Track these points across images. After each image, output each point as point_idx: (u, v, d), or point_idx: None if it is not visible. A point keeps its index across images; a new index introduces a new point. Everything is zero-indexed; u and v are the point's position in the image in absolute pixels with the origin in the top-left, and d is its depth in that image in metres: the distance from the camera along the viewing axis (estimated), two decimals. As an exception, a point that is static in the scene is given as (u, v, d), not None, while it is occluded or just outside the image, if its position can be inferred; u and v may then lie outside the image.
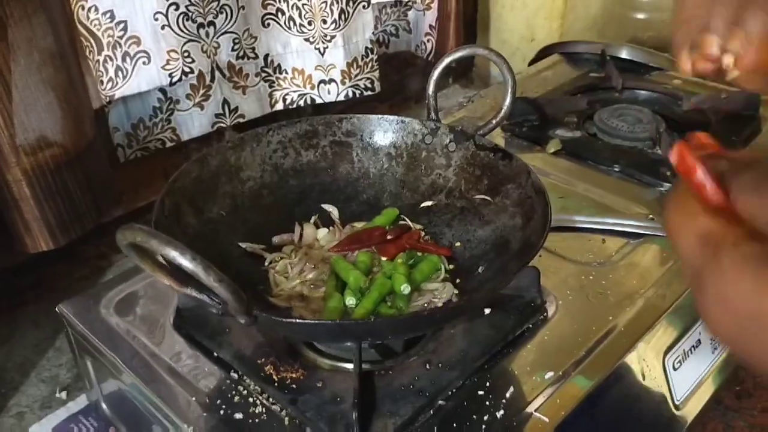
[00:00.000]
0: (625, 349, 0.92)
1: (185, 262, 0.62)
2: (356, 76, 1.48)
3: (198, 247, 0.89)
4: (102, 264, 1.47)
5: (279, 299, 0.91)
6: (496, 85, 1.70)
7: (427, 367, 0.85)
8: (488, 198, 0.95)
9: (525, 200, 0.89)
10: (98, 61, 1.20)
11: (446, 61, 1.06)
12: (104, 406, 1.05)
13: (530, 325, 0.95)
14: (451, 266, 0.93)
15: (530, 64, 1.81)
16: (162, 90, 1.31)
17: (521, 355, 0.91)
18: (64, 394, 1.15)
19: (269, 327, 0.81)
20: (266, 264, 0.93)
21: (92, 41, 1.18)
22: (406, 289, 0.88)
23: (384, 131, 1.04)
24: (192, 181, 0.95)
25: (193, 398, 0.85)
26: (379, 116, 1.03)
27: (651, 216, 1.15)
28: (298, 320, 0.69)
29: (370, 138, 1.04)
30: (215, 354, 0.91)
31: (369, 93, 1.55)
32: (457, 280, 0.91)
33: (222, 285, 0.63)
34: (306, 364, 0.87)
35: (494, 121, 1.03)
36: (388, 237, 0.98)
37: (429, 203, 1.02)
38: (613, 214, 1.17)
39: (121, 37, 1.19)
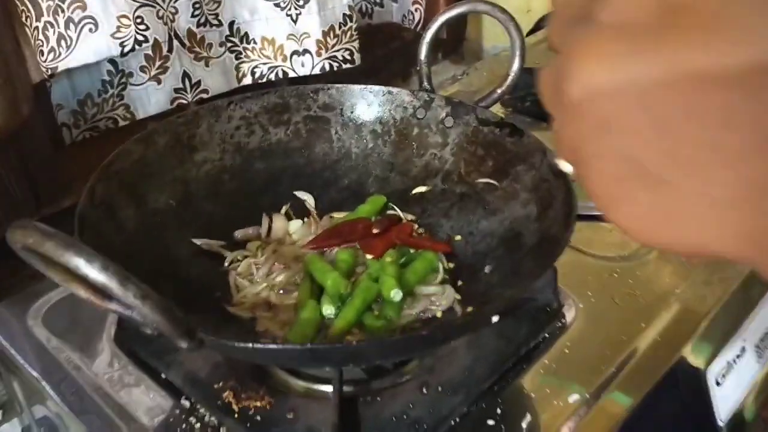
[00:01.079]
0: (662, 364, 0.78)
1: (93, 273, 0.45)
2: (333, 46, 1.30)
3: (138, 245, 0.72)
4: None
5: (241, 308, 0.75)
6: (492, 56, 1.52)
7: (424, 390, 0.70)
8: (494, 182, 0.81)
9: (540, 184, 0.77)
10: (37, 28, 1.02)
11: (440, 20, 0.90)
12: (36, 432, 0.88)
13: (546, 335, 0.80)
14: (451, 265, 0.80)
15: (528, 35, 1.65)
16: (112, 61, 1.15)
17: (537, 372, 0.76)
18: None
19: (221, 352, 0.63)
20: (226, 264, 0.80)
21: (29, 5, 1.01)
22: (396, 295, 0.71)
23: (368, 104, 0.90)
24: (133, 164, 0.78)
25: (133, 435, 0.68)
26: (362, 86, 0.91)
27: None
28: (256, 346, 0.52)
29: (352, 112, 0.91)
30: (163, 376, 0.74)
31: (348, 66, 1.37)
32: (459, 282, 0.77)
33: (147, 303, 0.46)
34: (274, 388, 0.71)
35: (499, 91, 0.86)
36: (374, 230, 0.81)
37: (422, 189, 0.88)
38: None
39: (63, 1, 1.01)
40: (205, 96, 1.28)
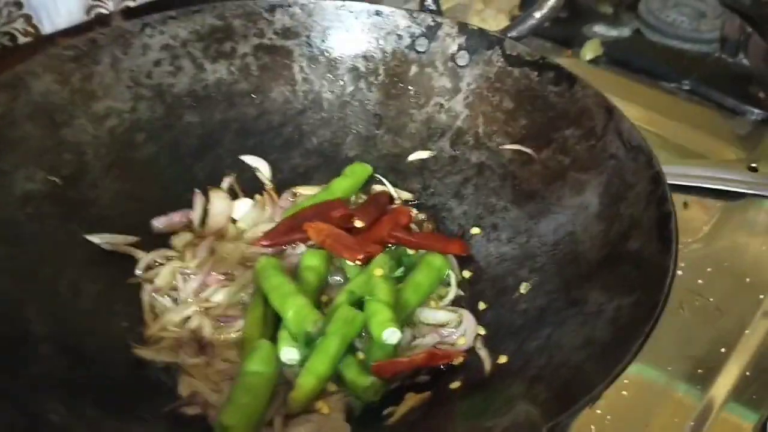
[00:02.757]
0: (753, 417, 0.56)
1: None
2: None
3: None
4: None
5: (156, 350, 0.52)
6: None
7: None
8: (528, 150, 0.62)
9: (604, 162, 0.55)
10: None
11: None
12: None
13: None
14: (467, 274, 0.60)
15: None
16: None
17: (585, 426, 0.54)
18: None
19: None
20: (138, 272, 0.59)
21: None
22: (392, 336, 0.49)
23: (346, 30, 0.70)
24: None
25: None
26: (338, 4, 0.70)
27: (753, 164, 0.77)
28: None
29: (323, 41, 0.70)
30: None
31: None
32: (480, 305, 0.54)
33: None
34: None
35: (538, 14, 0.61)
36: (356, 222, 0.57)
37: (423, 155, 0.69)
38: (691, 160, 0.82)
39: None
40: (131, 4, 1.06)
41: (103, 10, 1.08)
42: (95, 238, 0.57)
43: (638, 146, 0.51)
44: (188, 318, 0.54)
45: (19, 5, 1.01)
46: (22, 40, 1.03)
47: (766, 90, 0.91)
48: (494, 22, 1.04)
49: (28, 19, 1.02)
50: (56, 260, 0.53)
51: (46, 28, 1.02)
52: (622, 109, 0.63)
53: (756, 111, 0.90)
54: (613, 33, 1.02)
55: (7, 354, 0.44)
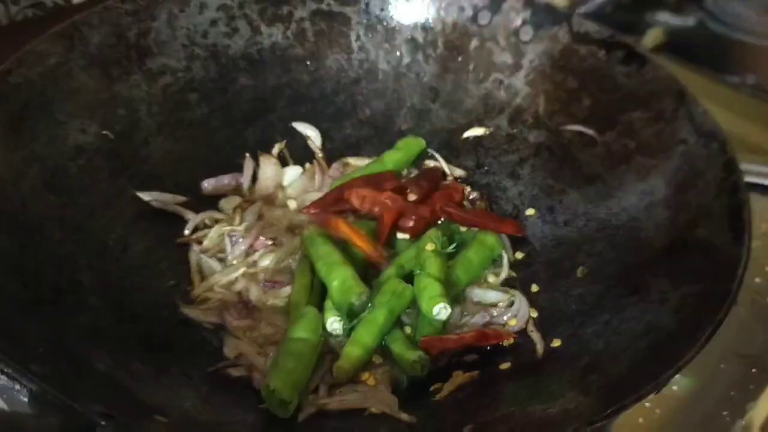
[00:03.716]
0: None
1: None
2: None
3: (44, 204, 0.48)
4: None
5: (203, 310, 0.51)
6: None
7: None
8: (591, 132, 0.59)
9: (673, 148, 0.53)
10: None
11: None
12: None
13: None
14: (520, 255, 0.58)
15: None
16: None
17: (629, 423, 0.51)
18: None
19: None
20: (186, 233, 0.58)
21: None
22: (443, 311, 0.48)
23: None
24: (47, 75, 0.55)
25: None
26: None
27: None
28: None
29: (382, 9, 0.68)
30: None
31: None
32: (533, 287, 0.54)
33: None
34: None
35: None
36: (409, 196, 0.55)
37: (479, 132, 0.66)
38: (755, 156, 0.77)
39: None
40: None
41: None
42: (145, 195, 0.56)
43: (711, 132, 0.49)
44: (235, 280, 0.53)
45: None
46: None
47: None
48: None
49: None
50: (106, 214, 0.53)
51: None
52: None
53: (823, 109, 0.86)
54: (677, 22, 0.98)
55: (56, 302, 0.44)
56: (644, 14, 0.99)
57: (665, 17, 1.00)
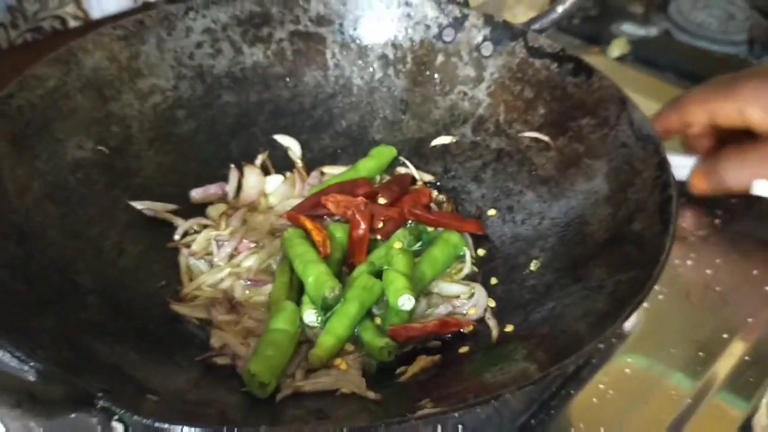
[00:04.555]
0: (749, 394, 0.59)
1: None
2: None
3: (46, 215, 0.52)
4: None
5: (191, 306, 0.55)
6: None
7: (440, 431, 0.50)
8: (545, 138, 0.64)
9: (615, 151, 0.58)
10: None
11: None
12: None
13: (600, 346, 0.61)
14: (482, 251, 0.63)
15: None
16: None
17: (589, 401, 0.57)
18: None
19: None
20: (176, 238, 0.62)
21: None
22: (407, 302, 0.52)
23: (377, 19, 0.72)
24: (47, 96, 0.59)
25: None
26: None
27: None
28: (185, 426, 0.32)
29: (355, 29, 0.73)
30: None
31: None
32: (493, 280, 0.59)
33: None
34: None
35: (560, 8, 0.63)
36: (379, 198, 0.60)
37: (445, 140, 0.71)
38: None
39: None
40: None
41: None
42: (138, 205, 0.61)
43: (647, 135, 0.54)
44: (221, 280, 0.57)
45: None
46: (72, 24, 1.08)
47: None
48: (524, 17, 1.06)
49: (78, 3, 1.07)
50: (102, 222, 0.57)
51: (95, 13, 1.03)
52: (646, 106, 0.65)
53: (777, 111, 0.91)
54: (641, 32, 1.03)
55: (59, 301, 0.48)
56: (610, 25, 1.04)
57: (630, 28, 1.04)
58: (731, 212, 0.75)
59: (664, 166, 0.51)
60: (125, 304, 0.52)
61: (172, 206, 0.63)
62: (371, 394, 0.47)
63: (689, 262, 0.69)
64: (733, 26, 1.03)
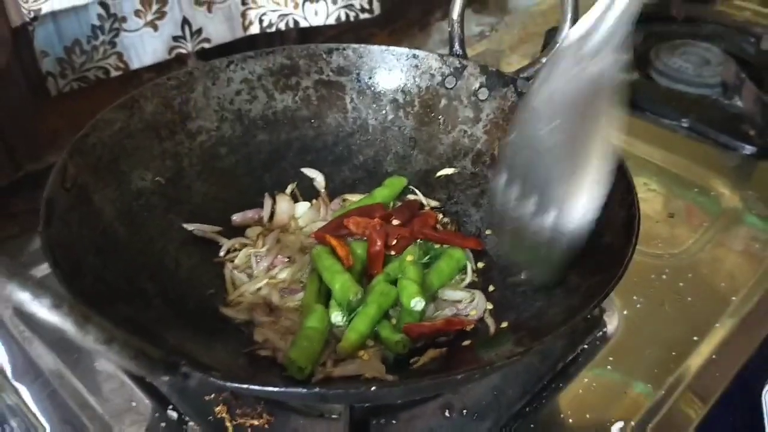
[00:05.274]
0: (716, 387, 0.67)
1: (43, 311, 0.34)
2: (351, -8, 1.17)
3: (117, 235, 0.62)
4: (34, 221, 1.19)
5: (236, 310, 0.65)
6: (523, 10, 1.38)
7: (447, 414, 0.61)
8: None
9: None
10: (17, -37, 0.88)
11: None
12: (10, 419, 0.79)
13: (585, 346, 0.70)
14: (481, 264, 0.72)
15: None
16: (103, 4, 1.05)
17: (575, 393, 0.66)
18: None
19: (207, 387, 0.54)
20: (221, 254, 0.72)
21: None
22: (418, 304, 0.62)
23: (389, 69, 0.81)
24: (114, 136, 0.68)
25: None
26: (383, 48, 0.80)
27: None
28: (252, 387, 0.42)
29: (370, 78, 0.81)
30: (147, 381, 0.64)
31: (366, 16, 1.23)
32: (491, 288, 0.67)
33: (113, 348, 0.36)
34: (274, 403, 0.61)
35: (545, 60, 0.73)
36: (393, 220, 0.70)
37: (449, 171, 0.79)
38: (682, 185, 0.92)
39: (48, -67, 0.88)
40: (207, 46, 1.18)
41: (183, 51, 1.22)
42: (189, 226, 0.70)
43: (618, 161, 0.64)
44: (260, 288, 0.67)
45: (113, 44, 1.16)
46: (114, 73, 1.17)
47: (756, 128, 0.98)
48: (518, 65, 1.17)
49: (119, 56, 1.15)
50: (161, 241, 0.67)
51: (134, 64, 1.08)
52: (629, 142, 0.74)
53: (747, 146, 0.97)
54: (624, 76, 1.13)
55: (130, 303, 0.58)
56: None
57: None
58: (705, 233, 0.84)
59: (629, 187, 0.61)
60: (183, 307, 0.62)
61: (217, 228, 0.72)
62: (389, 377, 0.56)
63: (664, 276, 0.79)
64: (707, 71, 1.11)
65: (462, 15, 0.78)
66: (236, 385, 0.44)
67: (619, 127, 0.58)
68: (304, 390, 0.46)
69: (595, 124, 0.58)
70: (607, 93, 0.58)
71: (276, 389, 0.45)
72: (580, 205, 0.56)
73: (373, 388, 0.44)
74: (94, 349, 0.37)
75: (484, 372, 0.47)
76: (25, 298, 0.35)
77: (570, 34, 0.60)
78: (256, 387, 0.43)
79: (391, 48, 0.79)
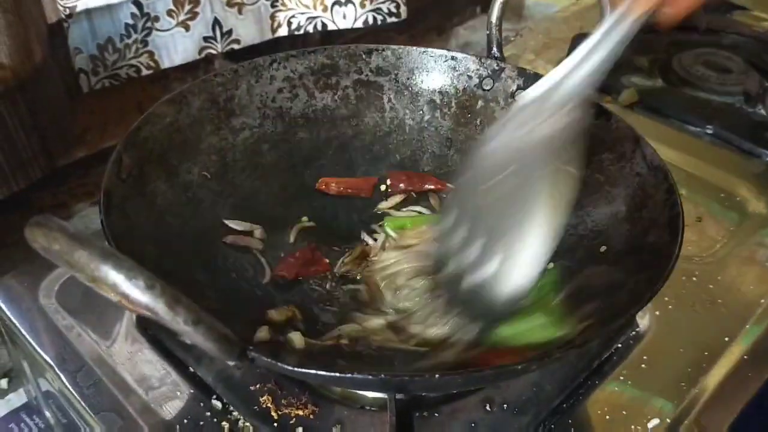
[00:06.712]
0: (750, 388, 0.68)
1: (136, 293, 0.35)
2: (379, -3, 1.19)
3: (169, 226, 0.63)
4: (61, 215, 1.21)
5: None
6: (546, 17, 1.40)
7: (488, 408, 0.62)
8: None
9: (631, 179, 0.68)
10: (53, -40, 0.90)
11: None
12: (43, 406, 0.80)
13: (619, 345, 0.71)
14: None
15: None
16: (137, 3, 1.07)
17: (611, 389, 0.67)
18: (4, 382, 0.90)
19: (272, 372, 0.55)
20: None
21: (45, -66, 0.90)
22: None
23: (427, 71, 0.82)
24: (164, 130, 0.69)
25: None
26: (422, 50, 0.81)
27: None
28: (320, 373, 0.43)
29: (408, 79, 0.82)
30: (191, 370, 0.65)
31: (393, 20, 1.26)
32: None
33: (200, 329, 0.37)
34: (318, 394, 0.63)
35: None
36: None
37: None
38: (709, 190, 0.93)
39: (82, -68, 0.90)
40: (236, 47, 1.18)
41: (212, 51, 1.24)
42: (230, 223, 0.71)
43: (658, 165, 0.64)
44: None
45: (145, 43, 1.17)
46: (144, 72, 1.19)
47: (778, 137, 0.99)
48: (543, 71, 1.19)
49: (150, 54, 1.15)
50: (209, 234, 0.68)
51: (165, 63, 1.10)
52: (655, 148, 0.75)
53: (769, 153, 0.98)
54: (649, 83, 1.13)
55: (188, 294, 0.59)
56: (620, 77, 1.13)
57: (638, 80, 1.13)
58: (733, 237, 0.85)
59: (671, 190, 0.62)
60: (230, 297, 0.64)
61: (257, 225, 0.72)
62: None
63: (694, 278, 0.80)
64: (730, 79, 1.13)
65: (500, 19, 0.80)
66: (305, 371, 0.45)
67: (573, 186, 0.60)
68: (370, 377, 0.47)
69: (543, 182, 0.58)
70: (560, 152, 0.59)
71: (337, 375, 0.46)
72: (527, 255, 0.56)
73: (437, 376, 0.45)
74: (181, 330, 0.38)
75: (548, 359, 0.49)
76: (119, 279, 0.36)
77: (530, 90, 0.62)
78: (325, 373, 0.44)
79: (430, 50, 0.81)
